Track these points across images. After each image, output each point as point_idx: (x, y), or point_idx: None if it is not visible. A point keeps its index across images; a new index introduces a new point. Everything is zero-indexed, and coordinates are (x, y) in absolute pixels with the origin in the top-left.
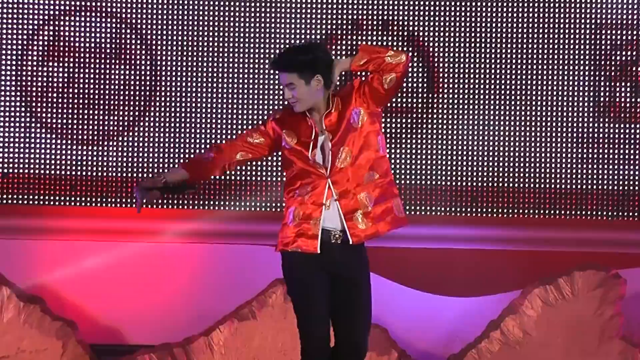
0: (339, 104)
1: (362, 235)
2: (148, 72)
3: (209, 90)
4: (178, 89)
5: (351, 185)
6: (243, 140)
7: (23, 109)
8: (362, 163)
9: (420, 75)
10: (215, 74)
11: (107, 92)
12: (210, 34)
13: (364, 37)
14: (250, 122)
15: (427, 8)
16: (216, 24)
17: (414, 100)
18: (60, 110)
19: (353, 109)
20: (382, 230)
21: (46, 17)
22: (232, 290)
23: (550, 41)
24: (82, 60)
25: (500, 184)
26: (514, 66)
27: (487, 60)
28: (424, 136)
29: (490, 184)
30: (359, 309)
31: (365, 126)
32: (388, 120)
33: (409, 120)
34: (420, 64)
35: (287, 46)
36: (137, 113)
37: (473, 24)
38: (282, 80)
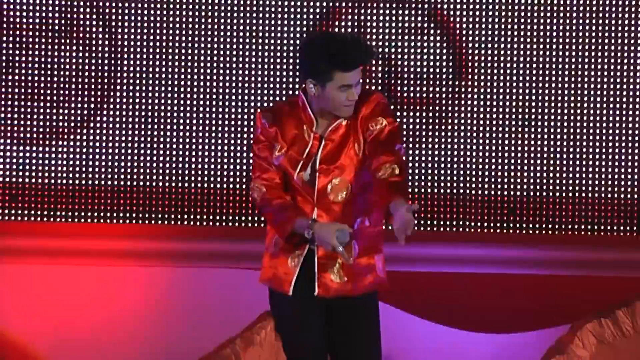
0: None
1: (331, 290)
2: (106, 55)
3: (180, 76)
4: (143, 75)
5: None
6: (274, 173)
7: None
8: (358, 203)
9: (445, 59)
10: (187, 57)
11: (55, 79)
12: (183, 8)
13: (373, 12)
14: (227, 113)
15: None
16: None
17: (437, 89)
18: None
19: (360, 135)
20: (357, 291)
21: None
22: (211, 325)
23: (614, 16)
24: (24, 40)
25: (545, 193)
26: (560, 47)
27: (528, 40)
28: (449, 134)
29: (531, 193)
30: (363, 342)
31: (362, 162)
32: (405, 114)
33: (431, 114)
34: (445, 45)
35: (338, 42)
36: (92, 105)
37: None
38: (356, 78)
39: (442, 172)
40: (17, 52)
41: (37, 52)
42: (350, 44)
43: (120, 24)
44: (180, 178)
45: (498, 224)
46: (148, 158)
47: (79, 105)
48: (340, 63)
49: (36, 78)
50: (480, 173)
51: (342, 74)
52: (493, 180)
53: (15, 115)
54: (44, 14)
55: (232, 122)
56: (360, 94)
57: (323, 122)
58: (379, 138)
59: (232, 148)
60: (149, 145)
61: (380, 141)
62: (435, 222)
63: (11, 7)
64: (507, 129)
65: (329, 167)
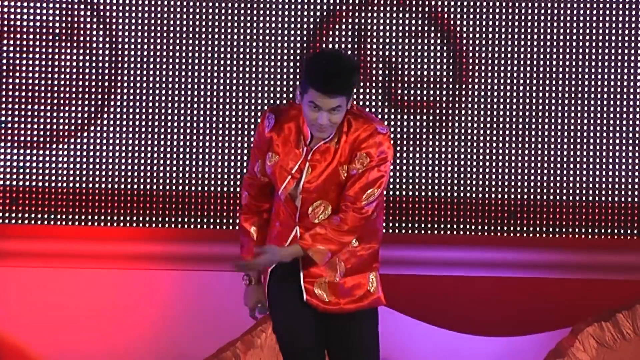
0: (339, 135)
1: (319, 307)
2: (107, 59)
3: (181, 80)
4: (143, 78)
5: None
6: (258, 188)
7: None
8: None
9: (445, 61)
10: (188, 61)
11: (56, 83)
12: (184, 10)
13: (374, 16)
14: (228, 116)
15: None
16: None
17: (437, 93)
18: None
19: (347, 159)
20: (346, 308)
21: None
22: (212, 328)
23: (615, 19)
24: (24, 43)
25: (545, 197)
26: (562, 51)
27: (529, 44)
28: (450, 137)
29: (532, 197)
30: (358, 350)
31: (344, 182)
32: (406, 117)
33: (431, 118)
34: (446, 48)
35: (326, 60)
36: (92, 108)
37: None
38: (328, 104)
39: (443, 175)
40: (17, 55)
41: (37, 56)
42: (332, 70)
43: (120, 27)
44: (180, 181)
45: (499, 227)
46: (149, 161)
47: (80, 108)
48: (314, 81)
49: (37, 81)
50: (481, 176)
51: (314, 91)
52: (494, 183)
53: (16, 119)
54: (44, 17)
55: (233, 125)
56: (358, 120)
57: (315, 138)
58: (355, 179)
59: (232, 151)
60: (149, 148)
61: (356, 186)
62: (435, 225)
63: (12, 10)
64: (507, 132)
65: (313, 188)
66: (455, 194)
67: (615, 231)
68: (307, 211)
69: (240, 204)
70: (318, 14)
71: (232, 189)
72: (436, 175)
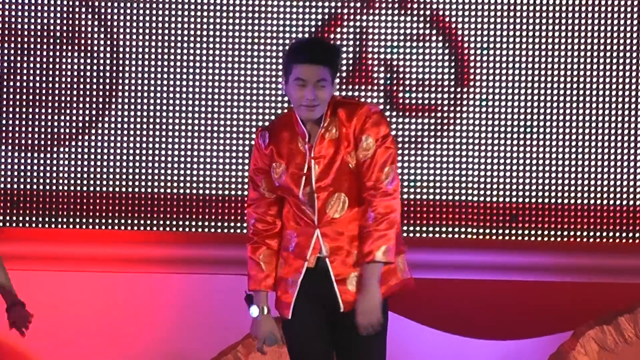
0: (335, 126)
1: (353, 303)
2: (107, 62)
3: (181, 82)
4: (144, 81)
5: (344, 241)
6: (265, 206)
7: None
8: (360, 214)
9: (446, 65)
10: (189, 63)
11: (57, 85)
12: (185, 13)
13: (375, 18)
14: (229, 119)
15: None
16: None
17: (439, 96)
18: None
19: (352, 147)
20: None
21: None
22: (213, 331)
23: (615, 22)
24: (25, 46)
25: (547, 200)
26: (562, 53)
27: (529, 46)
28: (450, 141)
29: (534, 200)
30: (365, 354)
31: (356, 173)
32: (406, 121)
33: (432, 121)
34: (447, 51)
35: (304, 39)
36: (94, 112)
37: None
38: (313, 76)
39: (444, 178)
40: (18, 57)
41: (38, 58)
42: (310, 42)
43: (122, 31)
44: (182, 184)
45: (500, 231)
46: (149, 165)
47: (81, 112)
48: (295, 55)
49: (37, 84)
50: (482, 180)
51: (296, 65)
52: (495, 186)
53: (17, 122)
54: (45, 20)
55: (235, 128)
56: (348, 107)
57: (314, 132)
58: (368, 164)
59: (234, 154)
60: (150, 151)
61: (371, 170)
62: (435, 229)
63: (12, 12)
64: (508, 135)
65: (325, 185)
66: (456, 197)
67: (617, 234)
68: (325, 208)
69: (248, 225)
70: (319, 17)
71: (233, 192)
72: (437, 178)
